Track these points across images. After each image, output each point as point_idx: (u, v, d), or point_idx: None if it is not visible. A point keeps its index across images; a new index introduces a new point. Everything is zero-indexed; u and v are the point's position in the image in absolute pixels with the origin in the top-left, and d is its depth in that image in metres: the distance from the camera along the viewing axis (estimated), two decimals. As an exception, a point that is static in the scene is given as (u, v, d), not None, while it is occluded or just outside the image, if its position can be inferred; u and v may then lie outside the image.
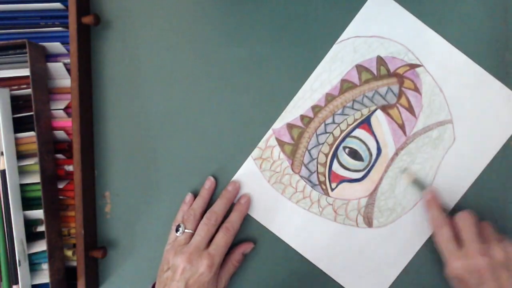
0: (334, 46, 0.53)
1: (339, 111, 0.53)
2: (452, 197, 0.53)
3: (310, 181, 0.54)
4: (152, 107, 0.55)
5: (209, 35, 0.54)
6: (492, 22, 0.52)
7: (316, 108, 0.53)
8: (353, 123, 0.53)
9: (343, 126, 0.53)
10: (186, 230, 0.51)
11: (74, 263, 0.56)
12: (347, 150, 0.53)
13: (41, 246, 0.53)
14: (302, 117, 0.53)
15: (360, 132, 0.53)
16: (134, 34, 0.55)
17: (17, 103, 0.54)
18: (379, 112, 0.53)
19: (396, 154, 0.53)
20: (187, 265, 0.48)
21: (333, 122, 0.53)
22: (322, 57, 0.53)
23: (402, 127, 0.53)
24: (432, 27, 0.53)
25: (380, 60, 0.53)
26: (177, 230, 0.51)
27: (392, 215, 0.53)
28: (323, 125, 0.53)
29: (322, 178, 0.54)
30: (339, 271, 0.54)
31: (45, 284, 0.53)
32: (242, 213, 0.53)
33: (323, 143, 0.53)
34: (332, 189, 0.54)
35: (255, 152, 0.54)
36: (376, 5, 0.52)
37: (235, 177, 0.54)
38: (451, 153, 0.53)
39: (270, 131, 0.54)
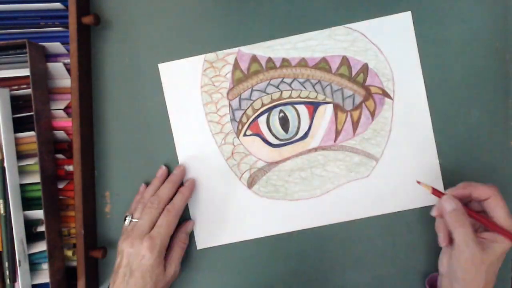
0: (338, 27, 0.53)
1: (301, 80, 0.53)
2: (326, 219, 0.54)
3: (234, 114, 0.54)
4: (152, 107, 0.55)
5: (209, 35, 0.54)
6: (492, 22, 0.52)
7: (285, 62, 0.53)
8: (304, 98, 0.53)
9: (294, 94, 0.53)
10: (133, 220, 0.51)
11: (74, 263, 0.56)
12: (281, 114, 0.53)
13: (41, 246, 0.53)
14: (270, 59, 0.53)
15: (303, 109, 0.53)
16: (134, 34, 0.55)
17: (17, 103, 0.54)
18: (330, 106, 0.53)
19: (315, 149, 0.53)
20: (130, 249, 0.48)
21: (289, 84, 0.53)
22: (322, 28, 0.53)
23: (337, 133, 0.53)
24: (433, 27, 0.53)
25: (365, 68, 0.53)
26: (125, 220, 0.52)
27: (272, 193, 0.54)
28: (279, 79, 0.53)
29: (244, 119, 0.54)
30: (199, 211, 0.55)
31: (45, 284, 0.53)
32: (185, 196, 0.52)
33: (267, 94, 0.53)
34: (245, 135, 0.54)
35: (210, 56, 0.54)
36: (397, 23, 0.52)
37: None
38: (356, 184, 0.53)
39: (236, 49, 0.54)
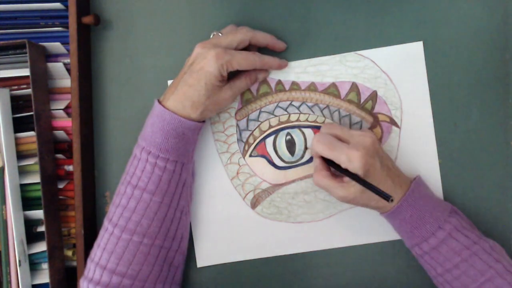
0: (349, 53, 0.53)
1: (310, 104, 0.53)
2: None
3: (240, 135, 0.54)
4: (152, 107, 0.55)
5: (208, 35, 0.54)
6: (492, 22, 0.52)
7: (294, 85, 0.53)
8: (311, 122, 0.53)
9: (302, 117, 0.53)
10: (219, 33, 0.50)
11: (74, 263, 0.56)
12: (288, 137, 0.53)
13: (41, 246, 0.53)
14: (279, 82, 0.53)
15: (309, 132, 0.53)
16: (134, 34, 0.55)
17: (17, 103, 0.54)
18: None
19: None
20: (200, 49, 0.48)
21: (298, 108, 0.53)
22: (333, 53, 0.53)
23: None
24: (433, 27, 0.53)
25: (374, 96, 0.53)
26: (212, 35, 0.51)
27: (275, 215, 0.54)
28: (288, 102, 0.53)
29: (251, 140, 0.54)
30: (201, 229, 0.54)
31: (45, 284, 0.53)
32: (275, 64, 0.51)
33: (275, 116, 0.53)
34: (251, 155, 0.54)
35: None
36: (408, 52, 0.52)
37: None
38: (359, 210, 0.53)
39: None
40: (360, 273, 0.54)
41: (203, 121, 0.50)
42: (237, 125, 0.54)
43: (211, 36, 0.51)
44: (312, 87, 0.53)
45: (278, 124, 0.53)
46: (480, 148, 0.53)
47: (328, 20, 0.53)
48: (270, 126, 0.53)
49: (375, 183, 0.46)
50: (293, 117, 0.53)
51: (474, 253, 0.46)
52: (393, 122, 0.53)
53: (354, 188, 0.47)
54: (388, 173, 0.48)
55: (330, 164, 0.49)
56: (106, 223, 0.49)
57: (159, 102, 0.49)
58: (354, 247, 0.54)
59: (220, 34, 0.50)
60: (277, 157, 0.54)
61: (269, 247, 0.54)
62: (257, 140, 0.54)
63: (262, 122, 0.54)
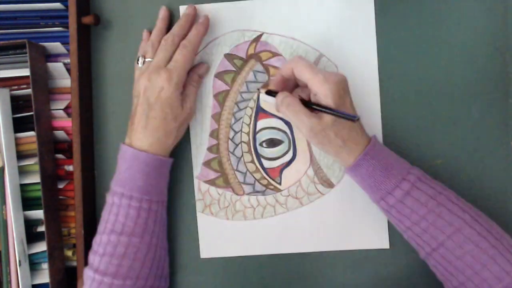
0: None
1: (233, 121, 0.54)
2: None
3: (258, 191, 0.54)
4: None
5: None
6: (492, 22, 0.52)
7: (214, 133, 0.54)
8: (250, 121, 0.54)
9: (245, 129, 0.54)
10: (146, 59, 0.50)
11: (74, 263, 0.56)
12: (264, 144, 0.54)
13: (41, 246, 0.53)
14: (212, 147, 0.54)
15: (262, 123, 0.54)
16: (134, 34, 0.55)
17: (17, 103, 0.54)
18: (262, 95, 0.52)
19: None
20: (147, 83, 0.48)
21: (236, 132, 0.54)
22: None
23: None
24: (433, 26, 0.53)
25: (229, 56, 0.54)
26: (137, 63, 0.51)
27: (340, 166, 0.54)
28: (230, 142, 0.54)
29: (264, 182, 0.54)
30: (330, 241, 0.54)
31: (45, 284, 0.53)
32: (200, 31, 0.51)
33: (241, 156, 0.54)
34: (280, 183, 0.54)
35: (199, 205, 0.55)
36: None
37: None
38: None
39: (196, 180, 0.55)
40: (360, 275, 0.54)
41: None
42: (248, 194, 0.54)
43: (139, 63, 0.51)
44: (216, 117, 0.54)
45: (249, 155, 0.54)
46: (480, 148, 0.53)
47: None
48: (252, 162, 0.54)
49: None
50: (244, 138, 0.54)
51: (440, 203, 0.46)
52: (257, 39, 0.53)
53: (325, 118, 0.46)
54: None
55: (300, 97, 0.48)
56: (90, 273, 0.48)
57: (128, 144, 0.49)
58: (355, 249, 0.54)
59: (146, 59, 0.50)
60: (284, 157, 0.54)
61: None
62: (266, 176, 0.54)
63: (247, 170, 0.54)
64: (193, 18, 0.53)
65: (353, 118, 0.45)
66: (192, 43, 0.50)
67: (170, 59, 0.50)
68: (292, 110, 0.47)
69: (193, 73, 0.53)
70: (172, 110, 0.48)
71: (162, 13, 0.53)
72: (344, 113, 0.45)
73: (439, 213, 0.45)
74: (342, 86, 0.47)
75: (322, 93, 0.46)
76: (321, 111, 0.46)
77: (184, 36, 0.51)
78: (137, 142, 0.48)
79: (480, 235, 0.44)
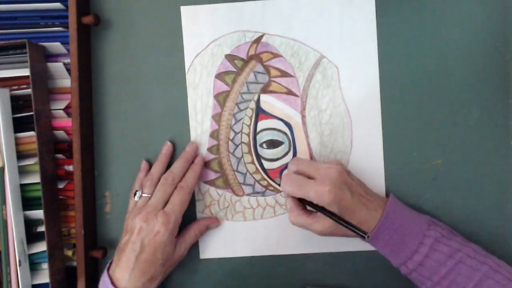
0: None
1: (233, 122, 0.54)
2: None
3: (258, 192, 0.54)
4: (152, 107, 0.55)
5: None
6: (492, 22, 0.52)
7: (215, 133, 0.54)
8: (250, 122, 0.54)
9: (245, 129, 0.54)
10: (143, 194, 0.51)
11: (74, 263, 0.56)
12: (264, 145, 0.54)
13: (41, 246, 0.53)
14: (212, 147, 0.54)
15: (262, 124, 0.54)
16: (134, 34, 0.55)
17: (17, 103, 0.54)
18: (262, 96, 0.53)
19: (303, 116, 0.54)
20: (143, 224, 0.48)
21: (236, 133, 0.54)
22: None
23: (290, 92, 0.53)
24: (433, 27, 0.53)
25: (229, 57, 0.54)
26: (135, 196, 0.51)
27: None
28: (230, 142, 0.54)
29: (264, 183, 0.54)
30: (329, 243, 0.54)
31: (45, 284, 0.53)
32: (196, 173, 0.52)
33: (241, 157, 0.54)
34: (279, 184, 0.54)
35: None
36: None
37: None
38: (343, 78, 0.53)
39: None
40: (360, 276, 0.54)
41: None
42: (248, 195, 0.54)
43: (136, 197, 0.51)
44: (216, 117, 0.54)
45: (250, 156, 0.54)
46: (480, 148, 0.53)
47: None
48: (252, 163, 0.54)
49: (349, 213, 0.46)
50: (245, 139, 0.54)
51: (459, 261, 0.46)
52: (257, 40, 0.53)
53: (329, 221, 0.47)
54: (361, 200, 0.48)
55: (303, 202, 0.49)
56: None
57: (112, 283, 0.48)
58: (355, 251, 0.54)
59: (143, 194, 0.51)
60: (284, 158, 0.54)
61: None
62: (266, 177, 0.54)
63: (247, 171, 0.54)
64: (194, 156, 0.54)
65: (363, 235, 0.44)
66: (190, 186, 0.51)
67: (167, 199, 0.50)
68: (298, 221, 0.49)
69: (203, 224, 0.53)
70: (163, 256, 0.49)
71: (166, 148, 0.54)
72: (354, 228, 0.45)
73: (458, 271, 0.46)
74: (337, 185, 0.47)
75: (321, 204, 0.46)
76: (331, 219, 0.47)
77: (183, 173, 0.52)
78: (122, 282, 0.48)
79: (499, 284, 0.45)
